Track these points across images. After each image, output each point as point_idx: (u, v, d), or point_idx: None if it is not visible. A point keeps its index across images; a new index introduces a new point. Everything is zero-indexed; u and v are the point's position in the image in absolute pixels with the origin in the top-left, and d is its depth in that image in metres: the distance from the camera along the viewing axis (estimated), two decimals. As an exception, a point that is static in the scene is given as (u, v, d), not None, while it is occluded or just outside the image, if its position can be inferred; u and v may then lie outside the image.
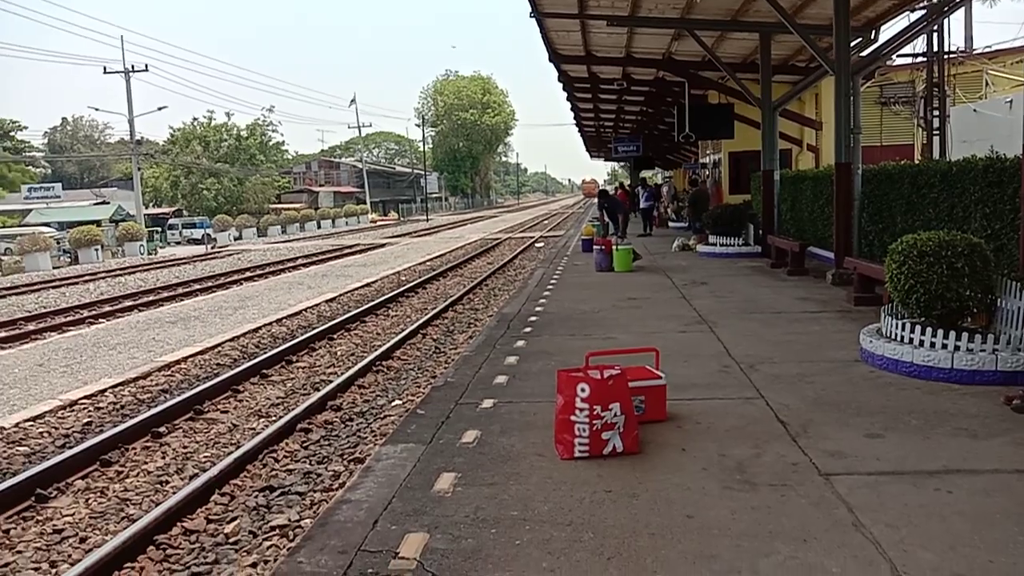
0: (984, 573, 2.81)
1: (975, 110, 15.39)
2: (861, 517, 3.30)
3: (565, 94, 23.34)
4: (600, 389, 4.10)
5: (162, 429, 6.65)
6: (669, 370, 5.11)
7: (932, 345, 5.50)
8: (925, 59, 16.38)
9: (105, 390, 8.14)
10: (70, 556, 4.37)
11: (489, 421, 4.85)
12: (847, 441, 4.24)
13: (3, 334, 12.34)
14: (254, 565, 4.15)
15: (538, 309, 9.30)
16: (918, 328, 5.61)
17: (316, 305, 14.23)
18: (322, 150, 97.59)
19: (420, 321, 11.38)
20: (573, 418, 4.09)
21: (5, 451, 6.38)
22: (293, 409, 7.00)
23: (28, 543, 4.64)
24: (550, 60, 17.32)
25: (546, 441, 4.34)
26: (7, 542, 4.68)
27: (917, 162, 9.67)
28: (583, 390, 4.08)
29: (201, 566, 4.17)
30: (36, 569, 4.27)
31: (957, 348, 5.40)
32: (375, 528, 3.42)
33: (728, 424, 4.61)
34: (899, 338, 5.77)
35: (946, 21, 15.47)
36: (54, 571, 4.23)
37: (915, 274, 5.62)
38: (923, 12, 12.25)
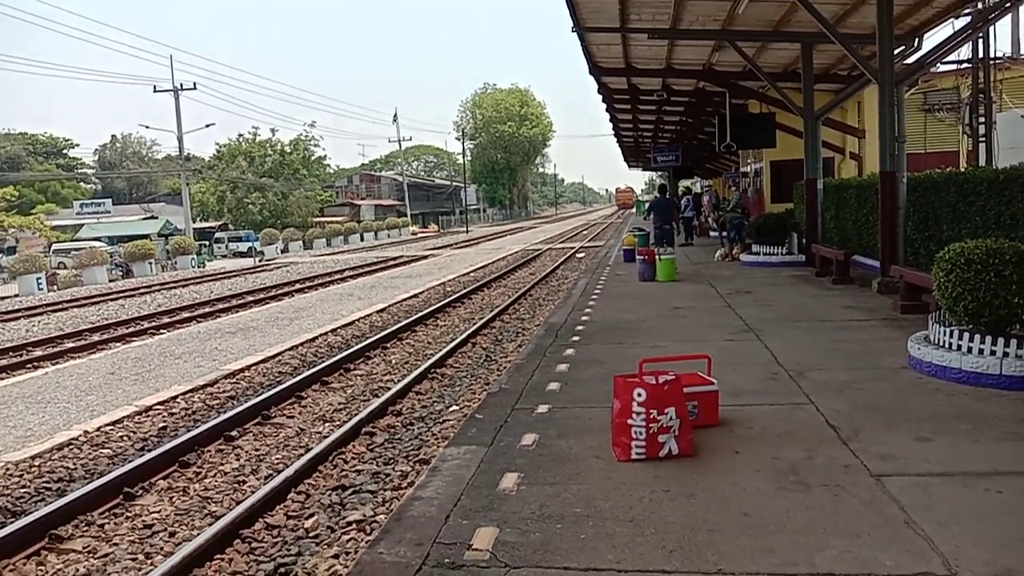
0: (1034, 567, 2.95)
1: (1023, 116, 15.22)
2: (912, 515, 3.43)
3: (604, 105, 23.53)
4: (656, 394, 4.28)
5: (234, 433, 7.02)
6: (719, 377, 5.24)
7: (980, 352, 5.58)
8: (970, 65, 16.23)
9: (176, 397, 8.57)
10: (162, 548, 4.72)
11: (546, 425, 5.04)
12: (897, 444, 4.35)
13: (72, 344, 12.96)
14: (336, 556, 4.44)
15: (584, 318, 9.48)
16: (966, 335, 5.69)
17: (368, 316, 14.60)
18: (363, 164, 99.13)
19: (469, 331, 11.67)
20: (630, 422, 4.26)
21: (91, 453, 6.81)
22: (356, 414, 7.33)
23: (122, 536, 4.99)
24: (590, 73, 17.55)
25: (602, 444, 4.53)
26: (103, 535, 5.05)
27: (963, 170, 9.66)
28: (640, 395, 4.27)
29: (286, 557, 4.49)
30: (133, 559, 4.63)
31: (1006, 355, 5.46)
32: (447, 523, 3.63)
33: (779, 428, 4.75)
34: (947, 345, 5.85)
35: (993, 26, 15.32)
36: (150, 562, 4.57)
37: (963, 282, 5.70)
38: (968, 19, 12.23)
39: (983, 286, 5.60)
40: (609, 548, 3.27)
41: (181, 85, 43.27)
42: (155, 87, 43.50)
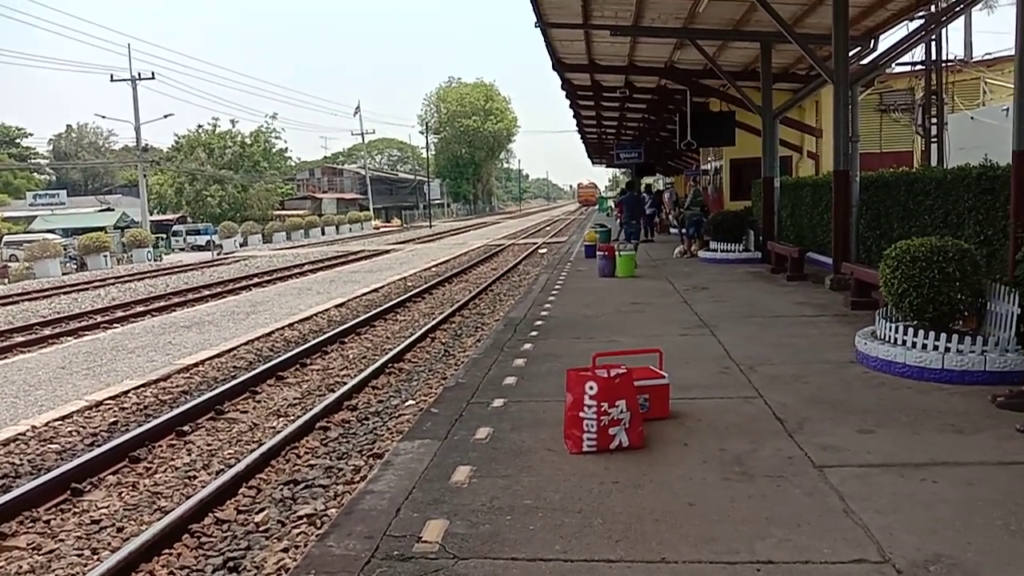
0: (963, 552, 3.05)
1: (972, 118, 15.63)
2: (851, 505, 3.54)
3: (568, 101, 23.64)
4: (607, 387, 4.34)
5: (186, 428, 6.94)
6: (672, 371, 5.33)
7: (924, 347, 5.74)
8: (924, 67, 16.64)
9: (128, 391, 8.42)
10: (109, 544, 4.65)
11: (500, 419, 5.09)
12: (840, 436, 4.48)
13: (21, 338, 12.64)
14: (285, 550, 4.42)
15: (543, 314, 9.55)
16: (911, 330, 5.86)
17: (326, 310, 14.51)
18: (325, 157, 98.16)
19: (428, 325, 11.66)
20: (582, 414, 4.33)
21: (38, 448, 6.66)
22: (311, 409, 7.28)
23: (69, 532, 4.92)
24: (554, 68, 17.63)
25: (555, 437, 4.58)
26: (49, 531, 4.96)
27: (913, 170, 9.92)
28: (591, 388, 4.33)
29: (235, 551, 4.46)
30: (79, 555, 4.56)
31: (948, 349, 5.63)
32: (398, 515, 3.64)
33: (728, 421, 4.85)
34: (892, 340, 6.02)
35: (944, 30, 15.72)
36: (96, 557, 4.50)
37: (908, 278, 5.85)
38: (922, 22, 12.53)
39: (927, 283, 5.76)
40: (557, 539, 3.32)
41: (139, 74, 42.42)
42: (112, 76, 42.59)
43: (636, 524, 3.43)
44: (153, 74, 42.97)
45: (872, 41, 13.15)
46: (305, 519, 4.80)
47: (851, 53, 11.99)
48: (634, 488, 3.84)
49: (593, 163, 57.18)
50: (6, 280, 27.16)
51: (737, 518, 3.45)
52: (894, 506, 3.51)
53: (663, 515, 3.51)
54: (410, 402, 7.53)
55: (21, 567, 4.44)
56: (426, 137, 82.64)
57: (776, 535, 3.27)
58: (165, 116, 47.92)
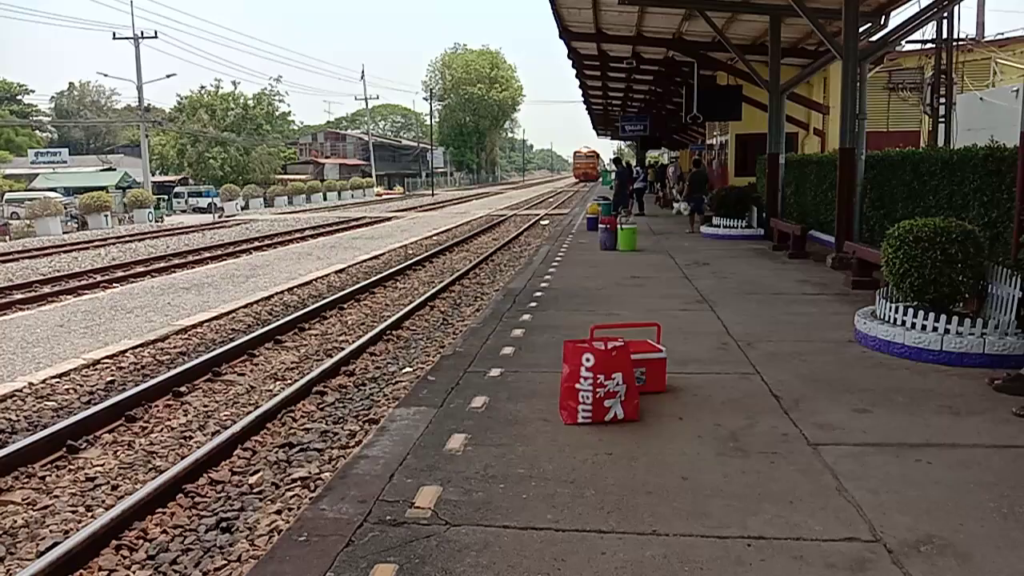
0: (953, 534, 3.05)
1: (981, 98, 15.47)
2: (845, 483, 3.54)
3: (574, 71, 23.40)
4: (604, 359, 4.33)
5: (183, 388, 6.93)
6: (670, 346, 5.32)
7: (923, 328, 5.73)
8: (934, 45, 16.42)
9: (126, 351, 8.42)
10: (104, 501, 4.67)
11: (497, 388, 5.10)
12: (836, 415, 4.47)
13: (20, 296, 12.64)
14: (279, 512, 4.44)
15: (543, 285, 9.53)
16: (911, 311, 5.84)
17: (326, 275, 14.50)
18: (328, 122, 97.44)
19: (428, 294, 11.63)
20: (578, 386, 4.33)
21: (35, 405, 6.68)
22: (308, 373, 7.28)
23: (64, 489, 4.93)
24: (560, 37, 17.40)
25: (551, 408, 4.59)
26: (44, 487, 4.97)
27: (919, 149, 9.82)
28: (588, 360, 4.32)
29: (228, 512, 4.48)
30: (73, 512, 4.57)
31: (947, 331, 5.61)
32: (391, 481, 3.66)
33: (724, 397, 4.85)
34: (892, 320, 5.99)
35: (957, 8, 15.52)
36: (90, 514, 4.52)
37: (910, 259, 5.82)
38: (933, -1, 12.33)
39: (929, 263, 5.72)
40: (549, 508, 3.33)
41: (142, 33, 41.87)
42: (115, 34, 42.06)
43: (629, 496, 3.43)
44: (156, 33, 42.53)
45: (883, 17, 12.95)
46: (299, 482, 4.82)
47: (861, 29, 11.83)
48: (628, 460, 3.84)
49: (598, 135, 56.83)
50: (7, 238, 27.09)
51: (730, 493, 3.46)
52: (887, 486, 3.51)
53: (656, 488, 3.52)
54: (407, 369, 7.53)
55: (16, 522, 4.46)
56: (430, 104, 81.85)
57: (768, 511, 3.27)
58: (167, 76, 47.40)
